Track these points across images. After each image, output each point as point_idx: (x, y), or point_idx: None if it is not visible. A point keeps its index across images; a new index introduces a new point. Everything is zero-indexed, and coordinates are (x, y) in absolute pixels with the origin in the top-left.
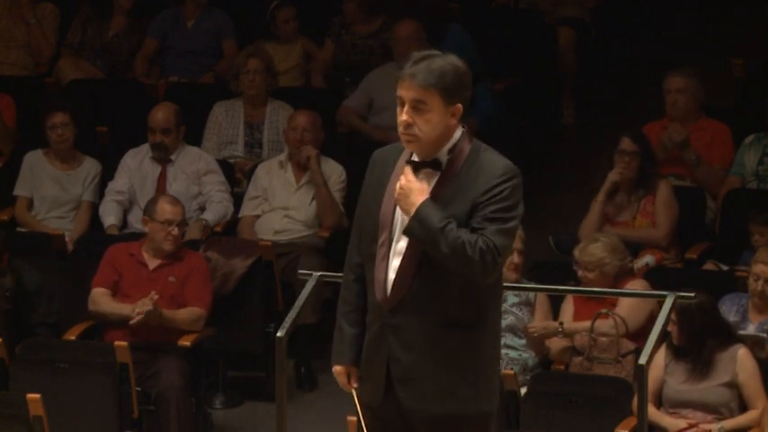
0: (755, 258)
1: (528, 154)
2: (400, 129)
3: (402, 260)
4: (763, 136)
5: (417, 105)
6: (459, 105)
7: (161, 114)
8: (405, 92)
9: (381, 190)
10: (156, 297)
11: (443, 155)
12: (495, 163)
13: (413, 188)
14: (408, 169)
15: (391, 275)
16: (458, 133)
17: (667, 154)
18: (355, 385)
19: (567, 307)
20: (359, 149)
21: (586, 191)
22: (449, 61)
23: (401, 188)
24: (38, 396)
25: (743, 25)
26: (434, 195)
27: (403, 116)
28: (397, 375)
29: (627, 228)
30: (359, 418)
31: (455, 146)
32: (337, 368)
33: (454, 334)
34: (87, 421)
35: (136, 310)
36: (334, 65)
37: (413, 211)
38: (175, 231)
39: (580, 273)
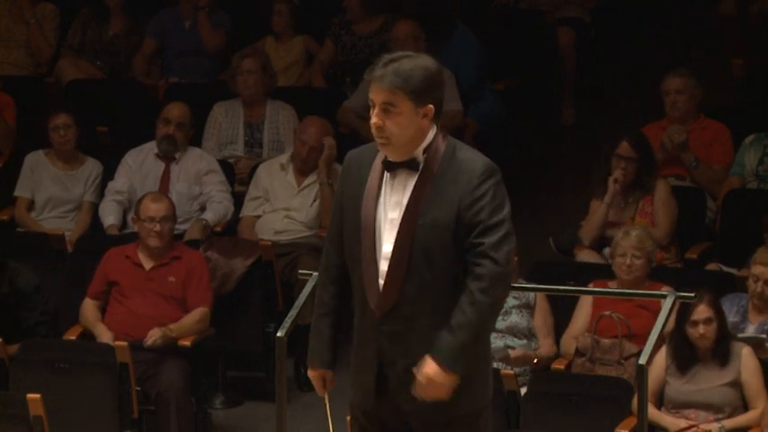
0: (754, 259)
1: (528, 154)
2: (373, 131)
3: (389, 265)
4: (764, 136)
5: (386, 108)
6: (431, 106)
7: (178, 109)
8: (374, 95)
9: (360, 193)
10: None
11: (419, 154)
12: (474, 161)
13: (425, 374)
14: (417, 390)
15: (381, 281)
16: (432, 132)
17: (667, 154)
18: (328, 389)
19: (586, 306)
20: None
21: (586, 191)
22: (418, 63)
23: (427, 388)
24: (38, 396)
25: (743, 25)
26: (416, 197)
27: (373, 119)
28: (393, 380)
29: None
30: (328, 423)
31: (430, 145)
32: (313, 373)
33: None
34: (87, 421)
35: (147, 342)
36: (334, 65)
37: (447, 372)
38: (158, 228)
39: (628, 261)
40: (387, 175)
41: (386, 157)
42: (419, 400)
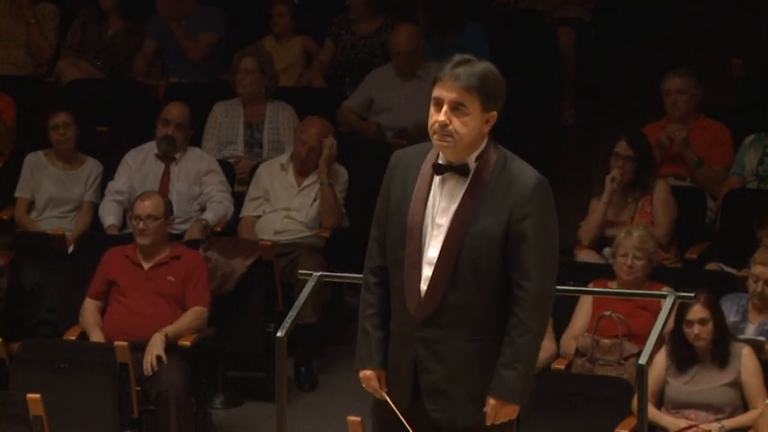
0: (754, 259)
1: (528, 154)
2: (434, 128)
3: (434, 271)
4: (764, 136)
5: (457, 107)
6: (495, 113)
7: (177, 110)
8: (445, 92)
9: (406, 196)
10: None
11: (472, 161)
12: (526, 174)
13: (494, 412)
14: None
15: (423, 286)
16: (485, 141)
17: (665, 152)
18: (386, 389)
19: (585, 306)
20: (359, 150)
21: (586, 191)
22: (489, 68)
23: (497, 420)
24: (38, 396)
25: (743, 25)
26: (465, 204)
27: (441, 116)
28: (426, 387)
29: (625, 228)
30: (400, 419)
31: (482, 153)
32: (367, 372)
33: (485, 347)
34: (87, 421)
35: (146, 367)
36: (334, 65)
37: (514, 404)
38: (141, 225)
39: (629, 261)
40: (436, 179)
41: (437, 160)
42: (451, 410)
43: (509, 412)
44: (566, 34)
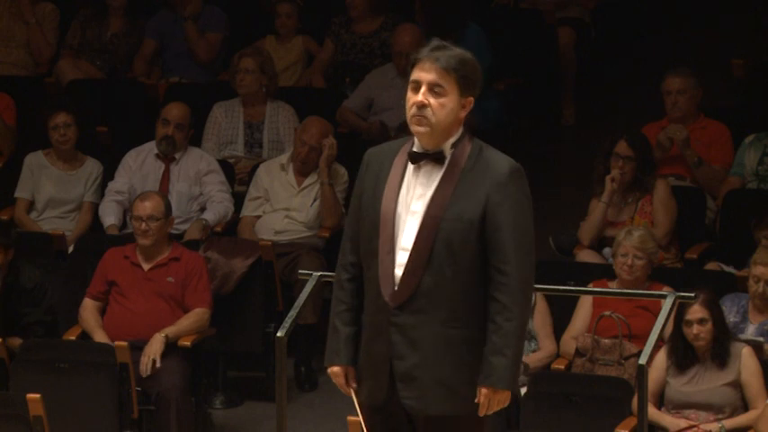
0: (754, 260)
1: (528, 154)
2: (412, 110)
3: (410, 255)
4: (764, 136)
5: (434, 88)
6: (471, 99)
7: (177, 110)
8: (424, 74)
9: (380, 187)
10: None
11: (447, 148)
12: (501, 161)
13: (487, 400)
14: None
15: (398, 271)
16: (461, 130)
17: (665, 153)
18: (354, 385)
19: (586, 306)
20: (359, 150)
21: (586, 191)
22: (466, 54)
23: (491, 410)
24: (38, 396)
25: (743, 25)
26: (442, 190)
27: (418, 97)
28: (400, 374)
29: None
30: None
31: (458, 141)
32: (334, 369)
33: (459, 334)
34: (87, 421)
35: (142, 368)
36: (334, 65)
37: (505, 390)
38: (143, 226)
39: (629, 261)
40: (410, 167)
41: (412, 149)
42: (424, 397)
43: (502, 399)
44: (566, 34)
